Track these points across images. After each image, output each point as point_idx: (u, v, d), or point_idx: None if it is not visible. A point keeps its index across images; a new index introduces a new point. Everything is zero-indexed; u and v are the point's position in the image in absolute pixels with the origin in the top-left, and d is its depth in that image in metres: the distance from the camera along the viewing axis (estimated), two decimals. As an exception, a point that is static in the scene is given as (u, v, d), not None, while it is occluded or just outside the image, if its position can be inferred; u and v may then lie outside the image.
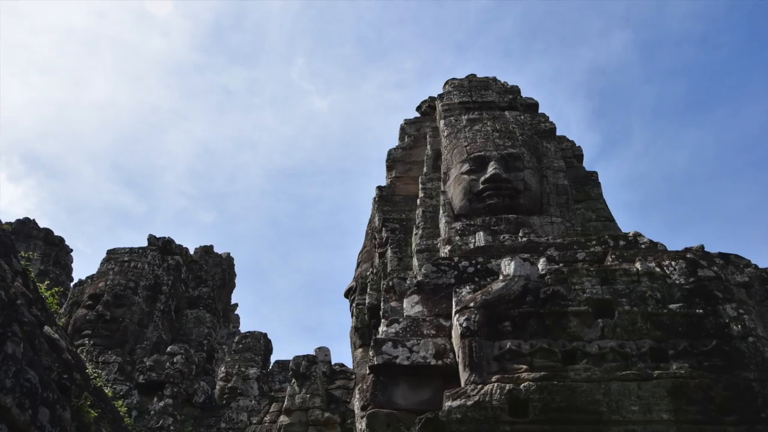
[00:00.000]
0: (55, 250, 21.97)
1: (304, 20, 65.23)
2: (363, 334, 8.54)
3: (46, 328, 4.72)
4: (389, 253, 8.41)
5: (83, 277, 17.12)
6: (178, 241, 18.05)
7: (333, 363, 11.34)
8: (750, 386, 4.48)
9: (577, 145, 9.94)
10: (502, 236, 6.99)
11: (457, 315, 5.23)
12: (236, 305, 23.65)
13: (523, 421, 4.42)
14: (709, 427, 4.32)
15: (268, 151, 71.24)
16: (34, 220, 22.27)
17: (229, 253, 22.13)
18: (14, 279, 4.61)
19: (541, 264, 5.59)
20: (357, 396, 5.65)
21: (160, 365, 13.86)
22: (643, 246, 6.19)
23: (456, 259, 6.21)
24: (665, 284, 5.23)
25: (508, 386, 4.52)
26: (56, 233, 22.42)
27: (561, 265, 5.61)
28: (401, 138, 10.78)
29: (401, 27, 65.88)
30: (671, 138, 59.77)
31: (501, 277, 5.49)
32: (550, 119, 9.81)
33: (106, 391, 7.17)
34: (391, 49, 68.08)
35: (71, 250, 22.94)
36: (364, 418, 4.98)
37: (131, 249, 16.85)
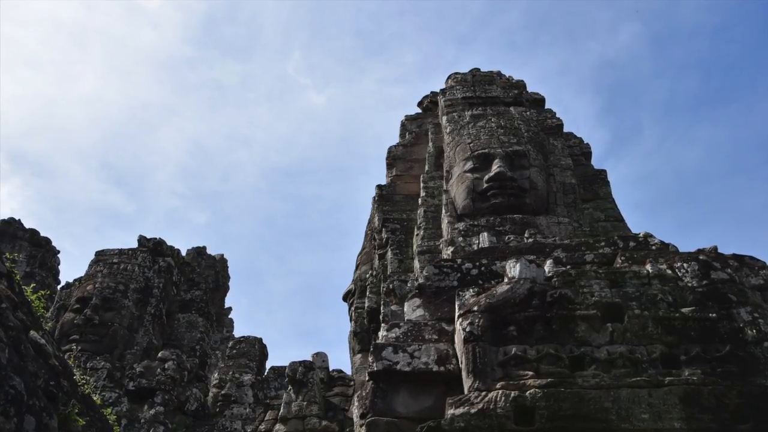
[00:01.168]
0: (41, 252, 21.70)
1: (300, 12, 65.02)
2: (362, 338, 8.48)
3: (32, 332, 4.63)
4: (389, 254, 8.35)
5: (71, 280, 17.05)
6: (169, 242, 17.97)
7: (331, 369, 11.20)
8: (765, 393, 4.41)
9: (585, 142, 9.86)
10: (506, 237, 6.97)
11: (460, 319, 5.15)
12: (230, 309, 23.52)
13: (529, 430, 4.35)
14: (723, 435, 4.24)
15: (263, 149, 71.03)
16: (19, 220, 21.99)
17: (222, 255, 22.08)
18: (-2, 281, 4.49)
19: (548, 266, 5.56)
20: (356, 403, 5.56)
21: (151, 371, 13.66)
22: (653, 247, 6.18)
23: (459, 260, 6.14)
24: (677, 287, 5.19)
25: (513, 393, 4.44)
26: (43, 234, 22.21)
27: (568, 267, 5.62)
28: (402, 135, 10.70)
29: (402, 19, 65.76)
30: (683, 135, 59.66)
31: (506, 280, 5.46)
32: (557, 115, 9.77)
33: (95, 398, 7.05)
34: (391, 42, 67.95)
35: (58, 252, 22.68)
36: (364, 427, 4.90)
37: (120, 250, 16.68)
